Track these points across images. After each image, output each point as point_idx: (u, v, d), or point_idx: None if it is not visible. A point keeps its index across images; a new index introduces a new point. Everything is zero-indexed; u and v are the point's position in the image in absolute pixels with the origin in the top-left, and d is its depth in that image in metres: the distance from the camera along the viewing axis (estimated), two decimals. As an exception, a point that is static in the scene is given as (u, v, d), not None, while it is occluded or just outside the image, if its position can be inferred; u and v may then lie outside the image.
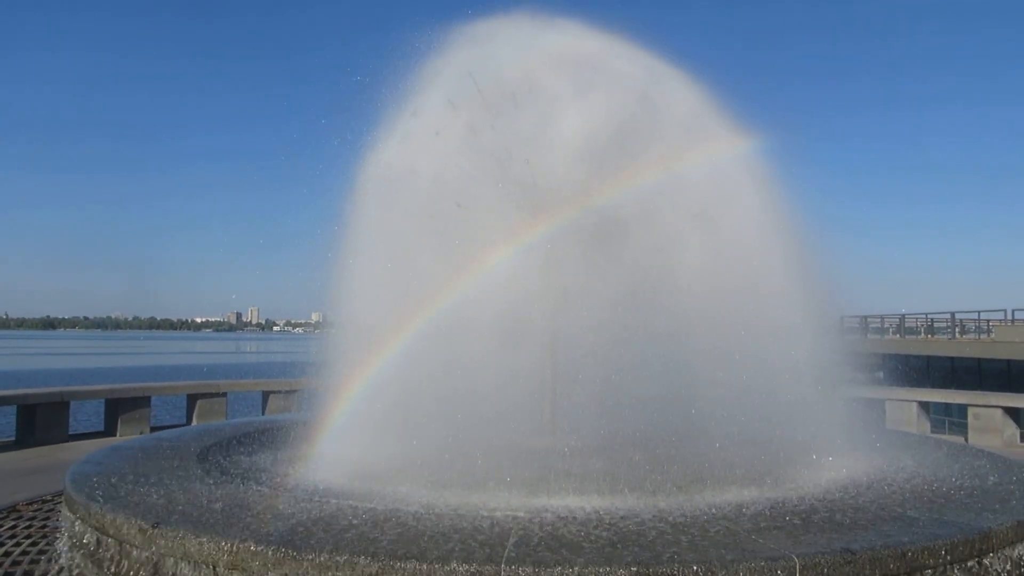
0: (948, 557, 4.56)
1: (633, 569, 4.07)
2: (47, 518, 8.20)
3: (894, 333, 42.41)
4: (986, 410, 15.37)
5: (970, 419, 15.61)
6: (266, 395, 17.26)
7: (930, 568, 4.47)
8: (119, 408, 15.16)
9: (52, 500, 8.90)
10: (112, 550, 5.31)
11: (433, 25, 8.55)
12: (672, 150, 8.31)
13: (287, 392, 16.99)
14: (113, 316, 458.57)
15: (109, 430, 15.17)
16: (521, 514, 5.20)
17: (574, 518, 5.12)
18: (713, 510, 5.45)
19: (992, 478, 6.60)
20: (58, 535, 7.06)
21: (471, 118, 8.14)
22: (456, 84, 8.22)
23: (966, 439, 15.00)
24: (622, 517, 5.15)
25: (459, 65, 8.33)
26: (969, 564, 4.69)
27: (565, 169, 8.13)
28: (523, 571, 4.08)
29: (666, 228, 8.19)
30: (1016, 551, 5.11)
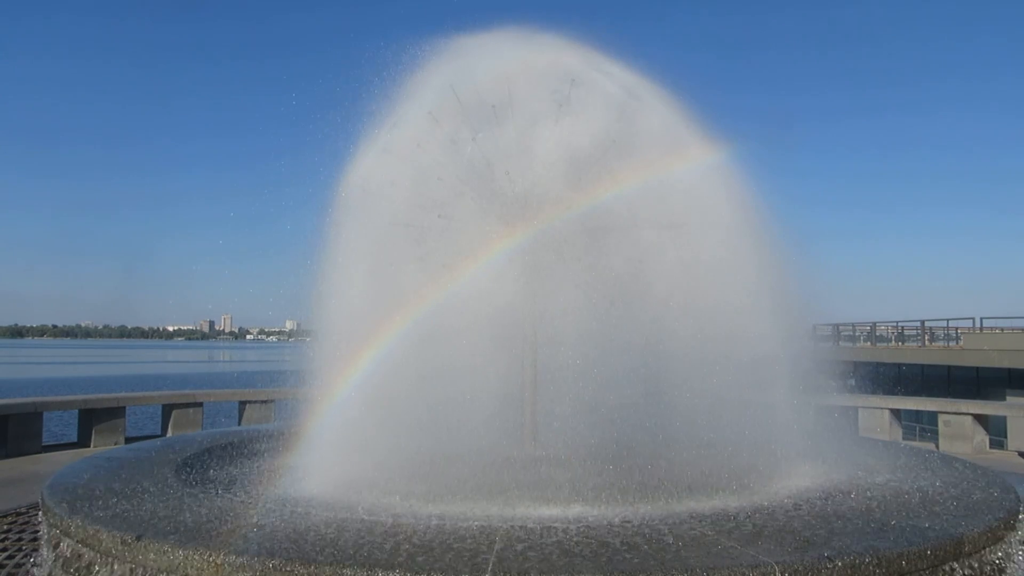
0: (924, 563, 4.68)
1: (617, 577, 4.13)
2: (22, 530, 8.12)
3: (865, 341, 42.94)
4: (956, 417, 15.64)
5: (941, 426, 15.87)
6: (243, 405, 17.13)
7: (907, 574, 4.58)
8: (93, 418, 15.00)
9: (27, 512, 8.81)
10: (93, 563, 5.28)
11: (414, 38, 8.60)
12: (649, 162, 8.42)
13: (264, 402, 16.88)
14: (83, 324, 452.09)
15: (83, 441, 15.00)
16: (503, 524, 5.24)
17: (556, 528, 5.16)
18: (693, 518, 5.52)
19: (964, 485, 6.74)
20: (35, 547, 7.00)
21: (452, 130, 8.20)
22: (437, 97, 8.27)
23: (937, 446, 15.24)
24: (602, 526, 5.21)
25: (440, 78, 8.38)
26: (946, 567, 4.82)
27: (545, 181, 8.22)
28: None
29: (642, 239, 8.30)
30: (988, 555, 5.25)
